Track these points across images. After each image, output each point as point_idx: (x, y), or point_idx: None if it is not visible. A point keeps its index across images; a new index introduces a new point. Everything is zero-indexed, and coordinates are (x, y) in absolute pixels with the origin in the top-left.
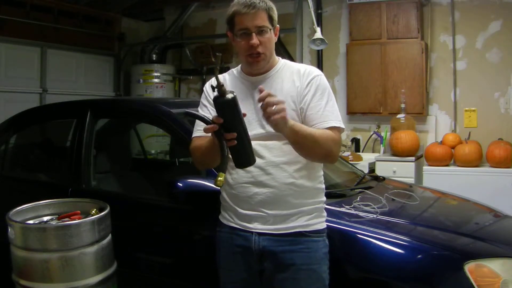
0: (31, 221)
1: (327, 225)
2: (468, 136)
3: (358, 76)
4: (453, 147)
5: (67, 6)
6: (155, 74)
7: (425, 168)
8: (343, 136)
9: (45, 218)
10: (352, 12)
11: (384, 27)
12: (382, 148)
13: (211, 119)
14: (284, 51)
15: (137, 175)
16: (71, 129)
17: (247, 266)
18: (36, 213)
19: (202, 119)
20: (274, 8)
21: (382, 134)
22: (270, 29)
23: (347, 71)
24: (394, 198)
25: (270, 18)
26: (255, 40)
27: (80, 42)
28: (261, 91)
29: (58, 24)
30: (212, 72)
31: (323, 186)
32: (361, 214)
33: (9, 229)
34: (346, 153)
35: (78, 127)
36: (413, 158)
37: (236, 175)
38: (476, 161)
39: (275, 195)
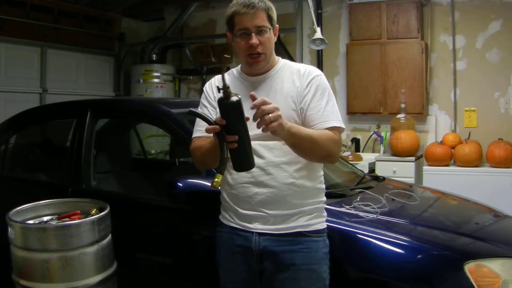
0: (31, 221)
1: (327, 225)
2: (468, 136)
3: (358, 76)
4: (453, 147)
5: (67, 6)
6: (155, 74)
7: (425, 168)
8: (343, 136)
9: (45, 218)
10: (352, 12)
11: (384, 27)
12: (382, 148)
13: (212, 119)
14: (284, 51)
15: (137, 175)
16: (71, 129)
17: (247, 266)
18: (36, 213)
19: (206, 119)
20: (273, 8)
21: (382, 134)
22: (270, 29)
23: (347, 71)
24: (394, 198)
25: (269, 18)
26: (254, 40)
27: (80, 42)
28: (253, 98)
29: (58, 24)
30: (212, 72)
31: (323, 186)
32: (361, 214)
33: (9, 229)
34: (346, 153)
35: (78, 127)
36: (413, 158)
37: (236, 175)
38: (476, 161)
39: (275, 195)
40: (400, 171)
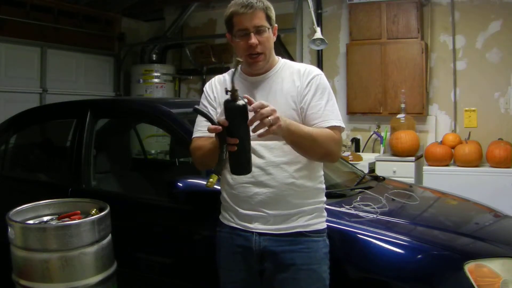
0: (31, 221)
1: (327, 225)
2: (468, 136)
3: (358, 76)
4: (453, 147)
5: (67, 6)
6: (155, 74)
7: (425, 168)
8: (343, 136)
9: (45, 218)
10: (352, 12)
11: (384, 27)
12: (382, 148)
13: (215, 119)
14: (284, 51)
15: (137, 175)
16: (71, 129)
17: (247, 266)
18: (36, 213)
19: (209, 118)
20: (272, 7)
21: (382, 134)
22: (269, 28)
23: (347, 71)
24: (394, 198)
25: (268, 17)
26: (253, 39)
27: (80, 42)
28: (248, 101)
29: (58, 24)
30: (212, 72)
31: (324, 186)
32: (361, 214)
33: (9, 229)
34: (346, 153)
35: (78, 127)
36: (413, 158)
37: (236, 175)
38: (476, 161)
39: (276, 195)
40: (400, 171)
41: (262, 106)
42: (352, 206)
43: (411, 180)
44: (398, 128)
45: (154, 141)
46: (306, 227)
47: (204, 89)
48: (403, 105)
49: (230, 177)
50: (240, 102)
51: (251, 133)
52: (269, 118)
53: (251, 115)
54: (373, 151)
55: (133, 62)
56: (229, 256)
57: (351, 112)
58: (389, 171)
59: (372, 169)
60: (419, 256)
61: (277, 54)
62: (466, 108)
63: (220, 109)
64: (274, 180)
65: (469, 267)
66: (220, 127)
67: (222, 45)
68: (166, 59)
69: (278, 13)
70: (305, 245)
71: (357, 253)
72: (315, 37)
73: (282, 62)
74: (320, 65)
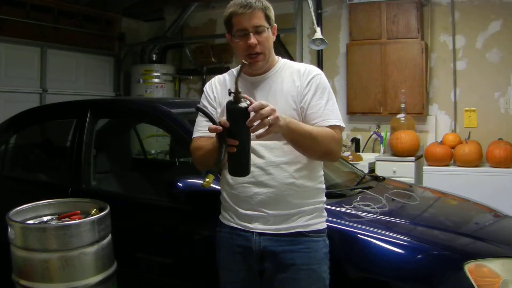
0: (31, 221)
1: (327, 225)
2: (468, 136)
3: (358, 76)
4: (453, 147)
5: (67, 6)
6: (155, 74)
7: (425, 168)
8: (343, 136)
9: (45, 218)
10: (352, 12)
11: (384, 27)
12: (382, 148)
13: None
14: (284, 51)
15: (137, 175)
16: (71, 129)
17: (247, 266)
18: (36, 213)
19: (211, 118)
20: (271, 7)
21: (382, 134)
22: (268, 28)
23: (347, 71)
24: (394, 198)
25: (267, 17)
26: (253, 39)
27: (80, 42)
28: (250, 103)
29: (58, 24)
30: (212, 72)
31: (324, 186)
32: (361, 214)
33: (9, 229)
34: (346, 153)
35: (78, 127)
36: (413, 158)
37: None
38: (476, 161)
39: (276, 195)
40: (400, 171)
41: (262, 106)
42: (352, 206)
43: (411, 180)
44: (398, 128)
45: (154, 141)
46: (306, 227)
47: (204, 89)
48: (403, 105)
49: (230, 177)
50: (243, 104)
51: (251, 133)
52: (268, 118)
53: (251, 115)
54: (373, 151)
55: (133, 62)
56: (229, 256)
57: (351, 112)
58: (389, 171)
59: (372, 169)
60: (419, 256)
61: (277, 54)
62: (466, 108)
63: (220, 109)
64: (274, 180)
65: (469, 267)
66: (220, 128)
67: (222, 45)
68: (166, 59)
69: (278, 13)
70: (305, 245)
71: (357, 253)
72: (315, 37)
73: (282, 62)
74: (320, 65)
